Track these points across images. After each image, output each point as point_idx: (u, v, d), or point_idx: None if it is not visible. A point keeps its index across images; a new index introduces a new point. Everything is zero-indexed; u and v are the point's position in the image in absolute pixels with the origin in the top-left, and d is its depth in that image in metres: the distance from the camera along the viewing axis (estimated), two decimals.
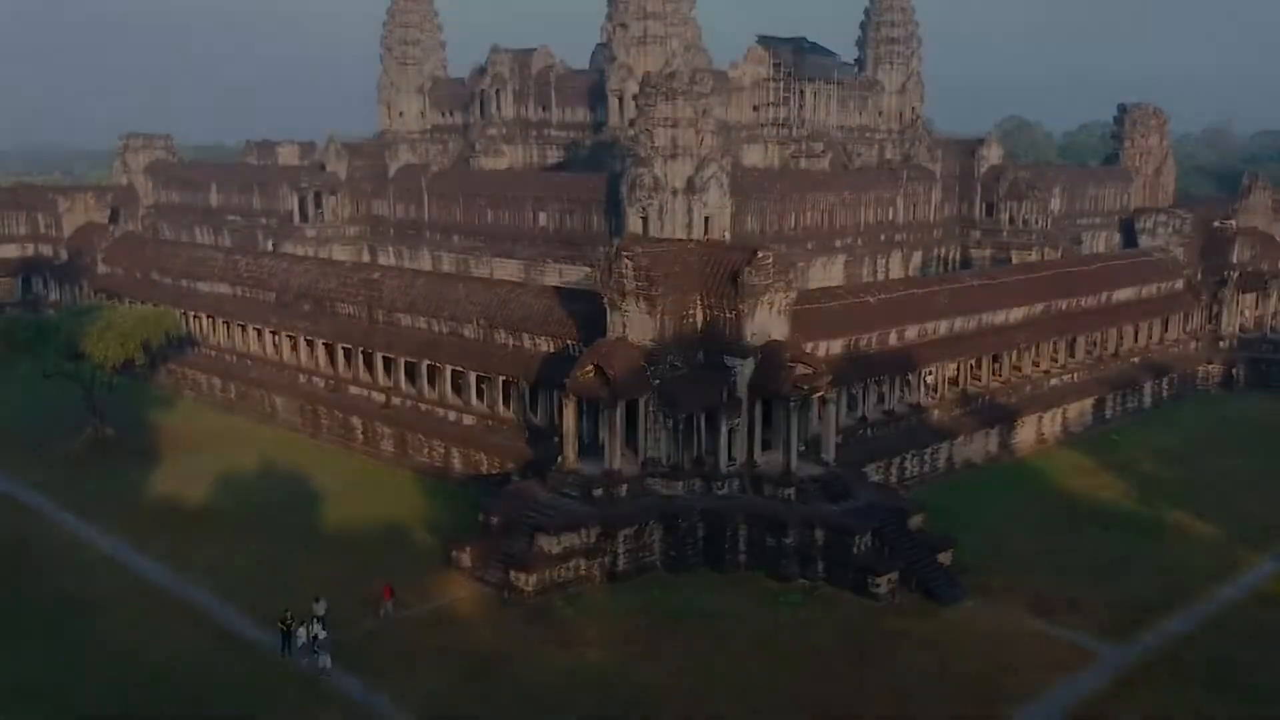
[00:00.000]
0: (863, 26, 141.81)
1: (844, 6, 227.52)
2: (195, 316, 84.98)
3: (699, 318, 53.41)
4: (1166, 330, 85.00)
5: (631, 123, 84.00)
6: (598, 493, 50.97)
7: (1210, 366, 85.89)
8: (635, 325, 52.62)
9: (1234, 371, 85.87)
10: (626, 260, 52.48)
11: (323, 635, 40.95)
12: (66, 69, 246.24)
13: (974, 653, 42.73)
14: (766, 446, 53.47)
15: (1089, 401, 74.27)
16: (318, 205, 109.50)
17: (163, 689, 39.00)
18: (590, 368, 52.17)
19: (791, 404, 51.03)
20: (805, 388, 51.66)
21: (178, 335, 69.34)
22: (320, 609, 42.33)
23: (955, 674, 41.01)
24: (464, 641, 43.37)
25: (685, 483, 52.28)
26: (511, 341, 62.60)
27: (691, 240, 65.03)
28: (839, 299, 62.39)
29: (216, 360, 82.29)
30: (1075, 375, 75.38)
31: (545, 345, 60.72)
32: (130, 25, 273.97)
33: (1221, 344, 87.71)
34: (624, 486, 51.60)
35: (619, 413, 51.37)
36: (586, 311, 58.03)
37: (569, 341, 59.02)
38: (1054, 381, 73.83)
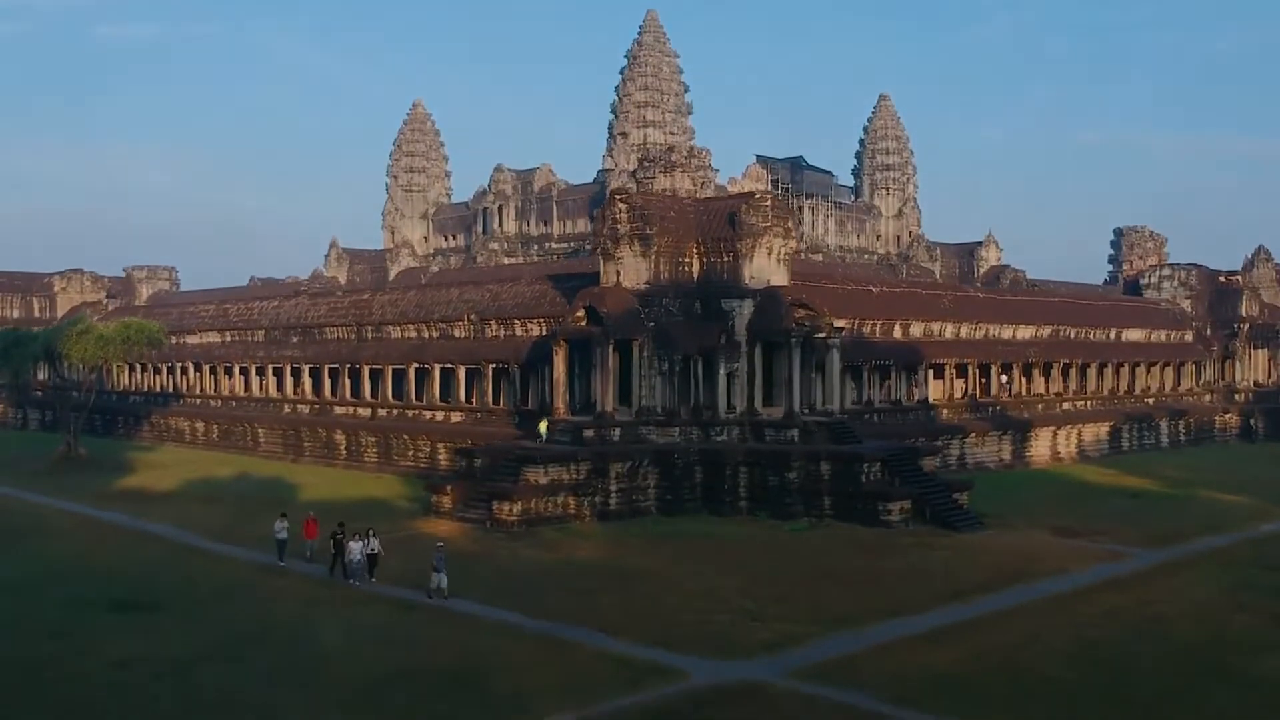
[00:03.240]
0: (858, 155, 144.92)
1: (840, 130, 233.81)
2: (183, 369, 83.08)
3: (695, 266, 51.54)
4: (1179, 379, 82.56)
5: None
6: (589, 434, 47.88)
7: (1227, 416, 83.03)
8: (629, 270, 50.73)
9: (1252, 422, 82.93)
10: (621, 205, 51.05)
11: (379, 550, 34.83)
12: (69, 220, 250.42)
13: (1000, 552, 39.10)
14: (768, 402, 50.64)
15: (1105, 427, 71.30)
16: None
17: (115, 581, 35.12)
18: (581, 312, 50.00)
19: (793, 341, 48.55)
20: (806, 325, 49.28)
21: (158, 343, 67.07)
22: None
23: (979, 563, 37.28)
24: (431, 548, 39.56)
25: (681, 430, 49.30)
26: (503, 332, 60.42)
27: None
28: (841, 284, 60.55)
29: (201, 407, 79.81)
30: (1089, 404, 72.66)
31: (537, 329, 58.42)
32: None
33: (1237, 396, 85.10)
34: (617, 431, 48.57)
35: (611, 353, 48.86)
36: (580, 289, 56.01)
37: (562, 320, 56.81)
38: (1066, 405, 71.06)
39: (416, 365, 63.53)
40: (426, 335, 65.16)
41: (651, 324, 49.77)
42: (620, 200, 51.01)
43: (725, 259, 50.57)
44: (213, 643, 27.29)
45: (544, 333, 57.77)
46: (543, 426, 50.75)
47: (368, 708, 22.41)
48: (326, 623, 29.26)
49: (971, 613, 30.36)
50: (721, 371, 49.24)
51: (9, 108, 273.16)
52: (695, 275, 51.45)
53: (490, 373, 59.58)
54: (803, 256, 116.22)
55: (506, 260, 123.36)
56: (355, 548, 34.24)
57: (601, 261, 52.10)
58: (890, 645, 27.04)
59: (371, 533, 35.17)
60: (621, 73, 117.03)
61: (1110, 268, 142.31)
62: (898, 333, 61.91)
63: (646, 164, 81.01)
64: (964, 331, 66.03)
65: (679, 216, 51.55)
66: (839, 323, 57.33)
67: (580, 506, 45.22)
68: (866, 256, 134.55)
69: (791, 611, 30.33)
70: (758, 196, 50.75)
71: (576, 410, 50.96)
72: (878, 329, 60.64)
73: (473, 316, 62.09)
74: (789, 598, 32.04)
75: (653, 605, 31.03)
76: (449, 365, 61.78)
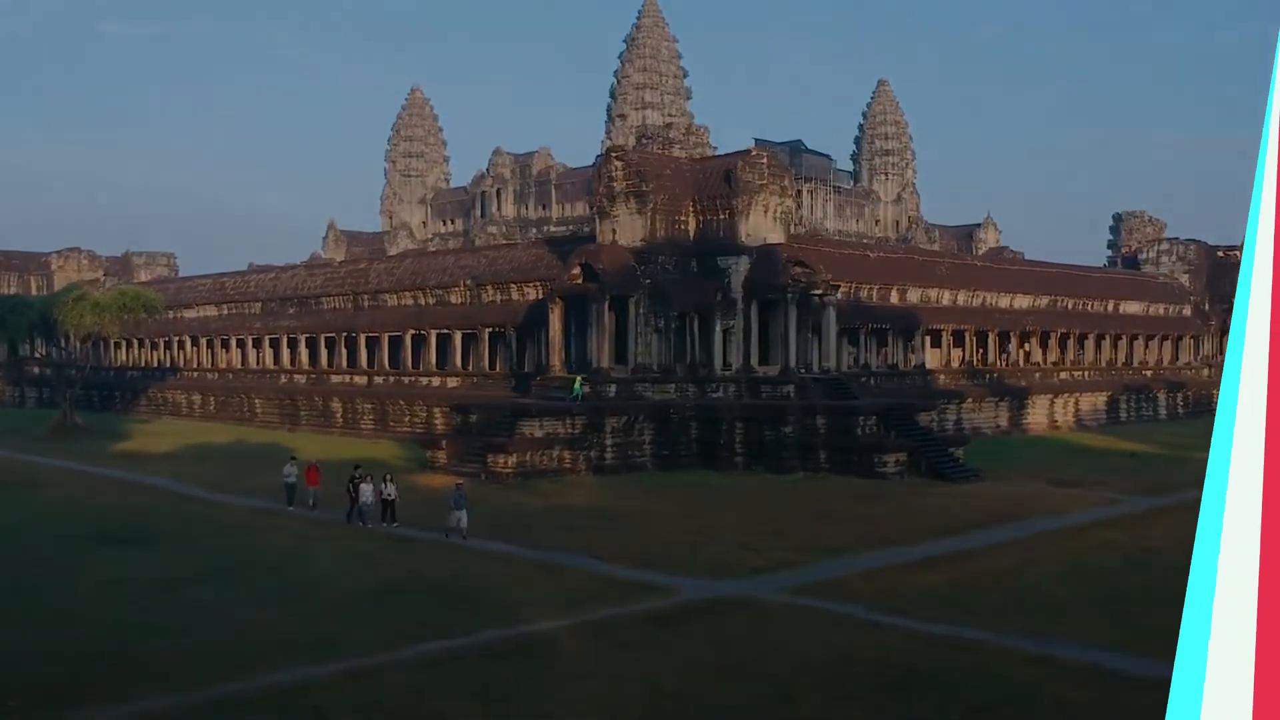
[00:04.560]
0: (857, 140, 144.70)
1: (838, 115, 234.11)
2: (180, 343, 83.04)
3: (691, 224, 51.52)
4: (1178, 353, 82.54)
5: None
6: (584, 390, 47.81)
7: None
8: (625, 228, 50.66)
9: None
10: (617, 162, 51.01)
11: (395, 495, 34.05)
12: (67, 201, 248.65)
13: (995, 497, 39.08)
14: (764, 361, 50.58)
15: (1103, 397, 71.23)
16: None
17: (109, 520, 35.12)
18: (578, 269, 49.93)
19: (789, 296, 48.49)
20: (803, 282, 49.21)
21: (155, 310, 66.96)
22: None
23: (974, 506, 37.24)
24: (433, 495, 39.54)
25: (677, 386, 49.28)
26: (500, 296, 60.40)
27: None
28: (838, 248, 60.51)
29: (198, 380, 79.79)
30: (1087, 374, 72.61)
31: (534, 293, 58.39)
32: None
33: None
34: (613, 387, 48.52)
35: (607, 310, 48.79)
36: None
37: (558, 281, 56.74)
38: (1064, 375, 71.01)
39: (413, 332, 63.51)
40: (423, 302, 65.12)
41: (648, 281, 49.70)
42: (617, 158, 50.97)
43: (722, 216, 50.52)
44: (206, 567, 27.24)
45: (540, 295, 57.73)
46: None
47: (356, 616, 22.36)
48: (321, 552, 29.27)
49: (965, 545, 30.34)
50: (718, 328, 49.20)
51: (11, 103, 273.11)
52: (691, 233, 51.41)
53: (486, 337, 59.53)
54: (803, 239, 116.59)
55: (504, 243, 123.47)
56: (366, 490, 33.72)
57: (598, 220, 52.07)
58: (882, 569, 27.01)
59: (389, 477, 34.68)
60: (620, 56, 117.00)
61: (1109, 253, 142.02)
62: (895, 298, 61.86)
63: (644, 140, 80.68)
64: (961, 299, 66.00)
65: (675, 175, 51.51)
66: (835, 282, 57.46)
67: (575, 460, 45.18)
68: (865, 241, 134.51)
69: (784, 543, 30.30)
70: (754, 154, 50.71)
71: (573, 370, 50.86)
72: (875, 294, 60.60)
73: (469, 282, 62.04)
74: (782, 533, 32.00)
75: (646, 538, 31.03)
76: (445, 331, 61.74)
